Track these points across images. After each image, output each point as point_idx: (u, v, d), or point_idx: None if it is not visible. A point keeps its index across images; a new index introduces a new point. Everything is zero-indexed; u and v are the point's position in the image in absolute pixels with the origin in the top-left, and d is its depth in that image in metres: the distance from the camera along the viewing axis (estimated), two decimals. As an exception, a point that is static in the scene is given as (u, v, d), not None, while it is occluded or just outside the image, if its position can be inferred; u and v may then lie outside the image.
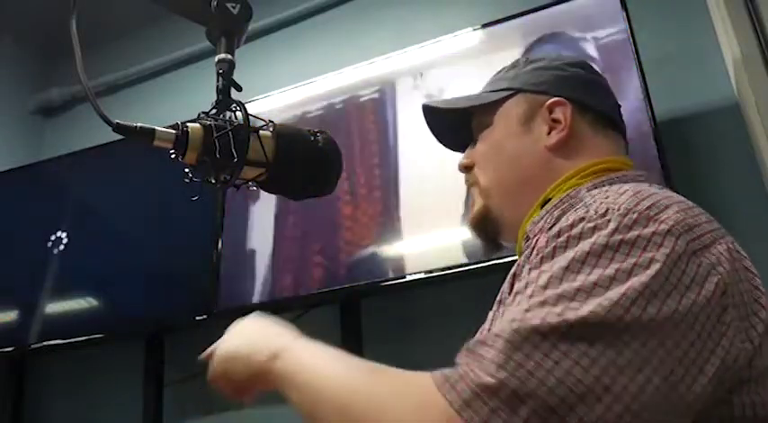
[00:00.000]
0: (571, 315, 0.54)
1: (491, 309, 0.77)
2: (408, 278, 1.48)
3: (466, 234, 1.46)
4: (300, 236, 1.66)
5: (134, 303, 1.80)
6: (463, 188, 0.97)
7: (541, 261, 0.62)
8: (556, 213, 0.73)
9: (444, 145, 1.02)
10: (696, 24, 1.58)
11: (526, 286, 0.61)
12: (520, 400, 0.51)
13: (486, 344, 0.56)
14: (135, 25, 2.39)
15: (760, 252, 1.38)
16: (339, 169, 0.86)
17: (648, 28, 1.53)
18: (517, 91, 0.88)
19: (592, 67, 0.92)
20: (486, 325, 0.73)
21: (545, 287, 0.58)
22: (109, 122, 0.75)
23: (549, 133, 0.84)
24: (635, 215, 0.61)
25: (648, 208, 0.62)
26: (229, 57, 0.85)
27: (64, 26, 0.82)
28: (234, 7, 0.86)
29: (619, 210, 0.62)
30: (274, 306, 1.63)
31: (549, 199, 0.80)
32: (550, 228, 0.67)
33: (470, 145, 0.93)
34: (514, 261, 0.74)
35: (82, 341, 1.82)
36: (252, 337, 0.75)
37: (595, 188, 0.76)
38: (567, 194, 0.77)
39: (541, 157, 0.84)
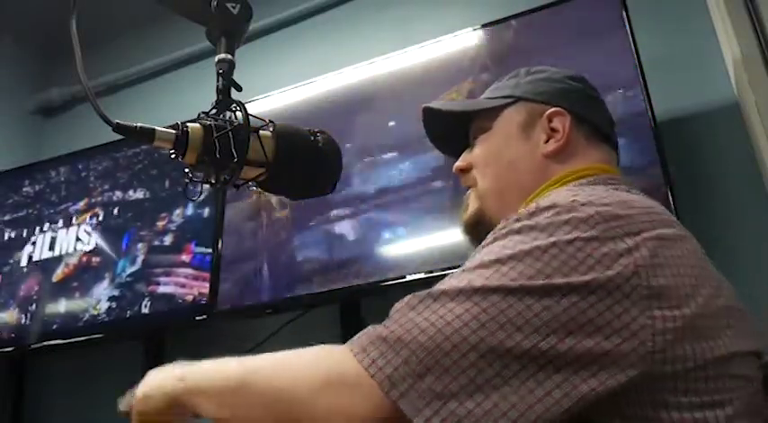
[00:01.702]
0: (462, 283, 0.62)
1: None
2: (408, 278, 1.48)
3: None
4: (300, 235, 1.66)
5: (134, 303, 1.79)
6: (461, 188, 0.98)
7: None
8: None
9: (439, 148, 1.05)
10: (696, 24, 1.58)
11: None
12: (403, 343, 0.60)
13: (395, 307, 0.65)
14: (135, 25, 2.39)
15: (760, 252, 1.39)
16: (339, 169, 0.86)
17: (648, 28, 1.53)
18: (518, 99, 0.91)
19: (589, 82, 0.95)
20: None
21: (461, 271, 0.65)
22: (109, 122, 0.75)
23: (546, 141, 0.87)
24: (557, 208, 0.65)
25: (573, 201, 0.65)
26: (229, 57, 0.85)
27: (64, 26, 0.82)
28: (234, 7, 0.86)
29: (546, 204, 0.66)
30: (274, 306, 1.64)
31: None
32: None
33: (467, 149, 0.95)
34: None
35: (82, 341, 1.82)
36: (156, 378, 0.74)
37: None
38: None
39: (538, 164, 0.87)
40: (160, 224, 1.84)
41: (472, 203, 0.92)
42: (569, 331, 0.58)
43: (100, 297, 1.85)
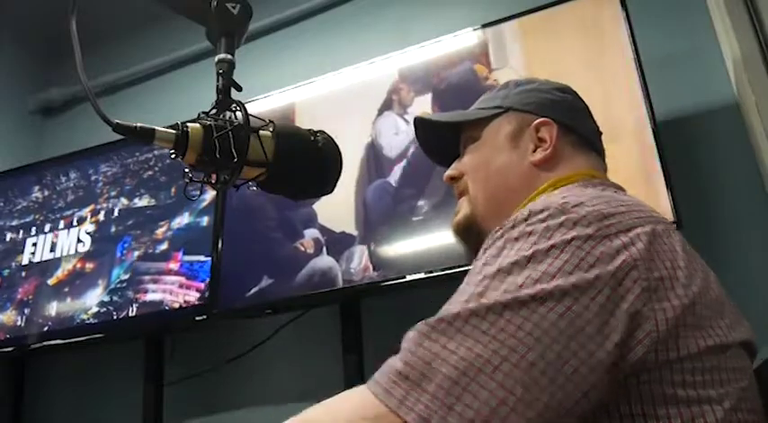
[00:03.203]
0: (472, 303, 0.61)
1: None
2: (408, 278, 1.48)
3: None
4: (299, 235, 1.66)
5: (134, 303, 1.80)
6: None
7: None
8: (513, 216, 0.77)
9: (430, 157, 1.09)
10: (696, 24, 1.58)
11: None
12: (427, 377, 0.59)
13: (407, 337, 0.63)
14: (135, 25, 2.39)
15: (760, 252, 1.39)
16: (339, 169, 0.86)
17: (648, 28, 1.53)
18: (507, 109, 0.94)
19: (577, 94, 0.97)
20: None
21: (466, 285, 0.65)
22: (109, 122, 0.75)
23: (534, 150, 0.90)
24: (550, 210, 0.67)
25: (564, 203, 0.67)
26: (229, 57, 0.85)
27: (64, 26, 0.82)
28: (234, 7, 0.86)
29: (538, 208, 0.68)
30: (274, 306, 1.64)
31: None
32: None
33: (458, 158, 0.98)
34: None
35: (82, 341, 1.82)
36: None
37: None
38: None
39: (526, 172, 0.90)
40: (159, 232, 1.84)
41: (463, 209, 0.95)
42: (588, 335, 0.59)
43: (95, 299, 1.85)
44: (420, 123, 1.04)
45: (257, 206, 1.74)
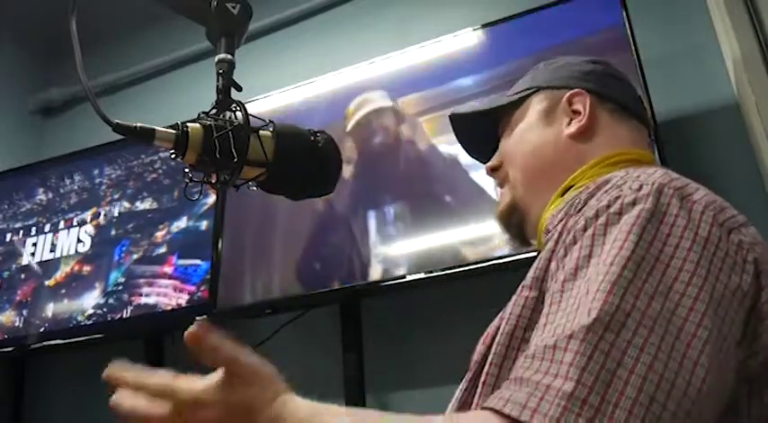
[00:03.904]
0: (626, 305, 0.54)
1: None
2: (408, 278, 1.48)
3: (466, 234, 1.46)
4: (299, 235, 1.66)
5: (130, 306, 1.80)
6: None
7: (590, 247, 0.61)
8: (583, 197, 0.71)
9: (474, 157, 1.05)
10: (696, 24, 1.58)
11: (575, 275, 0.59)
12: (613, 404, 0.49)
13: (557, 347, 0.52)
14: (135, 25, 2.39)
15: (760, 252, 1.39)
16: (339, 169, 0.86)
17: (648, 28, 1.53)
18: (538, 89, 0.91)
19: (610, 64, 0.94)
20: (502, 322, 0.70)
21: (600, 277, 0.56)
22: (109, 122, 0.75)
23: (569, 124, 0.86)
24: (670, 190, 0.62)
25: (681, 187, 0.63)
26: (229, 57, 0.85)
27: (64, 26, 0.82)
28: (234, 7, 0.86)
29: (655, 184, 0.63)
30: (274, 306, 1.64)
31: (571, 187, 0.81)
32: (579, 210, 0.68)
33: (499, 144, 0.95)
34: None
35: (82, 341, 1.82)
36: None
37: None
38: (586, 186, 0.77)
39: (564, 146, 0.85)
40: (159, 235, 1.84)
41: (504, 196, 0.92)
42: (735, 340, 0.57)
43: (93, 301, 1.85)
44: (455, 120, 1.01)
45: (259, 206, 1.75)
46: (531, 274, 0.70)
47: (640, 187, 0.63)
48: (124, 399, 0.61)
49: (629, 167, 0.77)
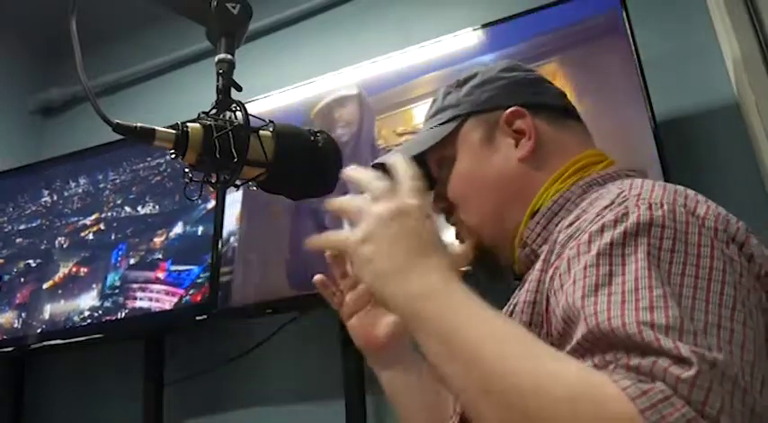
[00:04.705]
0: (670, 315, 0.51)
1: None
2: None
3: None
4: (299, 235, 1.66)
5: (124, 309, 1.80)
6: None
7: (608, 267, 0.57)
8: (571, 217, 0.70)
9: None
10: (696, 24, 1.58)
11: (596, 292, 0.56)
12: (727, 375, 0.48)
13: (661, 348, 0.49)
14: (135, 25, 2.39)
15: (760, 252, 1.39)
16: (339, 169, 0.86)
17: (648, 28, 1.53)
18: (467, 116, 0.85)
19: (521, 65, 0.89)
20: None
21: (640, 293, 0.54)
22: (109, 122, 0.75)
23: (516, 146, 0.82)
24: (683, 209, 0.60)
25: (688, 204, 0.62)
26: (229, 57, 0.85)
27: (64, 26, 0.82)
28: (234, 7, 0.87)
29: (663, 205, 0.60)
30: (274, 306, 1.64)
31: (538, 210, 0.79)
32: (571, 224, 0.67)
33: (436, 186, 0.87)
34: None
35: (82, 341, 1.82)
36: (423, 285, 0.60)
37: (590, 186, 0.76)
38: (561, 196, 0.77)
39: (517, 171, 0.81)
40: (157, 241, 1.84)
41: (467, 243, 0.85)
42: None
43: (90, 303, 1.85)
44: (380, 168, 0.84)
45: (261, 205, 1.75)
46: (522, 297, 0.68)
47: (650, 205, 0.60)
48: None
49: (594, 176, 0.77)
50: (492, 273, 0.86)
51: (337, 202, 0.69)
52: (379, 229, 0.63)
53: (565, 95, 0.89)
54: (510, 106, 0.83)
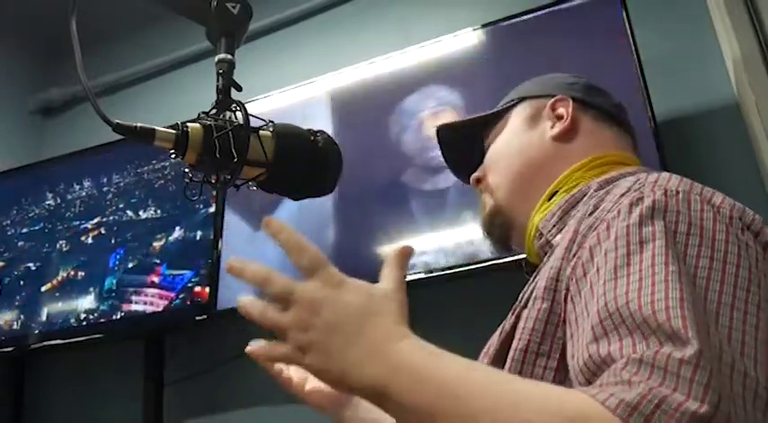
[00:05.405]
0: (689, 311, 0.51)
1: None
2: (408, 278, 1.48)
3: (466, 235, 1.46)
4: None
5: (130, 306, 1.80)
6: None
7: (626, 248, 0.59)
8: (592, 202, 0.71)
9: (457, 174, 1.05)
10: (696, 24, 1.58)
11: (616, 275, 0.57)
12: (726, 364, 0.49)
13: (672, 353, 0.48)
14: (135, 25, 2.39)
15: (760, 252, 1.39)
16: (339, 169, 0.86)
17: (648, 28, 1.53)
18: (522, 99, 0.94)
19: (583, 77, 0.96)
20: (516, 338, 0.68)
21: (658, 286, 0.54)
22: (109, 122, 0.75)
23: (552, 127, 0.88)
24: (698, 197, 0.62)
25: (701, 193, 0.63)
26: (229, 57, 0.85)
27: (64, 26, 0.82)
28: (234, 7, 0.86)
29: (680, 193, 0.62)
30: (274, 306, 1.64)
31: (556, 192, 0.82)
32: (591, 214, 0.68)
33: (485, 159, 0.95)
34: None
35: (82, 341, 1.82)
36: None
37: (608, 183, 0.76)
38: (579, 190, 0.79)
39: (547, 147, 0.87)
40: (157, 245, 1.84)
41: (487, 201, 0.92)
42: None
43: (89, 304, 1.86)
44: (442, 132, 1.03)
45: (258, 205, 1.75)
46: (541, 284, 0.68)
47: (665, 192, 0.62)
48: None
49: (613, 173, 0.78)
50: (498, 239, 0.91)
51: (254, 316, 0.64)
52: (307, 336, 0.60)
53: (622, 108, 0.94)
54: (561, 95, 0.90)
